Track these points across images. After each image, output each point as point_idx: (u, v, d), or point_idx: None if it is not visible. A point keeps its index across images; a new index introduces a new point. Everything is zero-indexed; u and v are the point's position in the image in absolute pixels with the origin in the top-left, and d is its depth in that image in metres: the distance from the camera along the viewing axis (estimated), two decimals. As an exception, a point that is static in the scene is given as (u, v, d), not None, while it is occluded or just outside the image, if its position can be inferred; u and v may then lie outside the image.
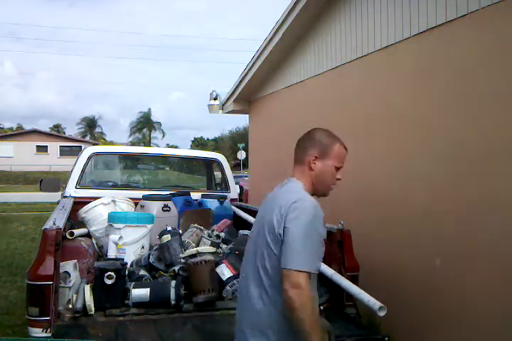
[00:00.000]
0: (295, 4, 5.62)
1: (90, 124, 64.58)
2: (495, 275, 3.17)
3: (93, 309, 2.96)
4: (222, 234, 4.16)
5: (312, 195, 1.97)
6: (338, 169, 2.04)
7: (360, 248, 3.42)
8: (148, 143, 57.42)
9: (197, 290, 3.17)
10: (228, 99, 8.39)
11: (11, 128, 64.29)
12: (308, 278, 1.76)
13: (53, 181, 5.68)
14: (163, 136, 62.71)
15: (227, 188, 5.63)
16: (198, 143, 67.77)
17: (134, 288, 3.13)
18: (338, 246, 3.32)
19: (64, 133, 64.49)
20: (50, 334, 2.65)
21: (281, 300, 1.78)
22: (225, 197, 5.17)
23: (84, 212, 4.31)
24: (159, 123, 62.01)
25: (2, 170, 38.46)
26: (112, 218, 3.90)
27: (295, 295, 1.72)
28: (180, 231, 4.06)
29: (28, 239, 9.60)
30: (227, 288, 3.35)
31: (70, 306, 2.97)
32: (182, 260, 3.36)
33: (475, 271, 3.31)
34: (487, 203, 3.26)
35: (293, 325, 1.76)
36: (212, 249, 3.35)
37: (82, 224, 4.30)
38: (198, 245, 3.97)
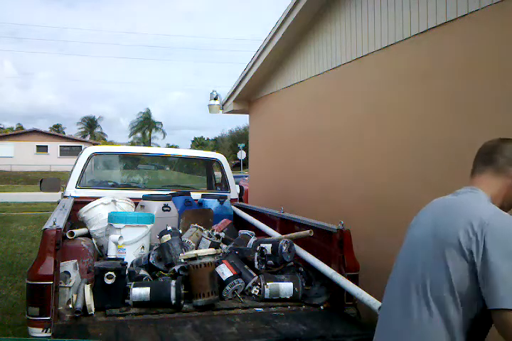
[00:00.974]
0: (295, 4, 5.62)
1: (90, 124, 64.65)
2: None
3: (93, 309, 2.97)
4: (222, 234, 4.17)
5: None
6: None
7: (361, 247, 3.42)
8: (148, 143, 57.43)
9: (197, 294, 3.17)
10: (228, 99, 8.39)
11: (11, 128, 64.31)
12: None
13: (53, 181, 5.68)
14: (164, 136, 62.80)
15: (227, 188, 5.63)
16: (198, 143, 67.76)
17: (134, 287, 3.13)
18: (338, 246, 3.32)
19: (64, 133, 64.51)
20: (50, 334, 2.65)
21: None
22: (225, 197, 5.18)
23: (84, 211, 4.31)
24: (160, 123, 62.10)
25: (2, 170, 38.48)
26: (112, 218, 3.90)
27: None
28: (181, 231, 4.06)
29: (28, 238, 9.60)
30: (227, 287, 3.35)
31: (70, 306, 2.98)
32: (182, 260, 3.36)
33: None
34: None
35: None
36: (212, 252, 3.34)
37: (82, 224, 4.31)
38: (198, 245, 3.97)
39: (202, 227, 4.16)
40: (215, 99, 8.67)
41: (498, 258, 1.37)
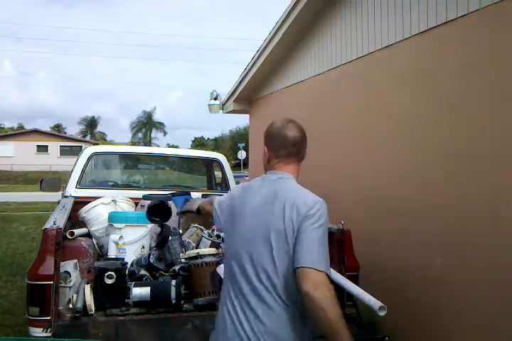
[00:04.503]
0: (295, 4, 5.62)
1: (91, 124, 64.66)
2: (500, 274, 3.17)
3: (93, 309, 2.96)
4: (223, 234, 4.16)
5: None
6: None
7: (361, 247, 3.42)
8: (148, 143, 57.42)
9: (197, 293, 3.17)
10: (228, 99, 8.39)
11: (11, 128, 64.33)
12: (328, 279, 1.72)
13: (54, 181, 5.68)
14: (165, 135, 62.79)
15: (227, 188, 5.63)
16: (198, 143, 67.77)
17: (134, 287, 3.13)
18: (338, 246, 3.32)
19: (65, 133, 64.51)
20: (50, 334, 2.65)
21: (299, 301, 1.72)
22: (226, 197, 5.17)
23: (84, 211, 4.31)
24: (162, 124, 62.05)
25: (2, 170, 38.47)
26: (113, 218, 3.90)
27: (319, 295, 1.65)
28: (181, 231, 4.06)
29: (28, 238, 9.61)
30: (228, 287, 3.35)
31: (71, 306, 2.97)
32: (183, 260, 3.36)
33: (477, 270, 3.31)
34: (487, 201, 3.26)
35: (320, 327, 1.69)
36: (214, 251, 3.34)
37: (82, 223, 4.30)
38: (198, 245, 3.97)
39: (202, 227, 4.16)
40: (215, 99, 8.68)
41: (316, 230, 1.81)
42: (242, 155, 29.97)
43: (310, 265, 1.70)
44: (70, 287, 3.08)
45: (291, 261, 1.77)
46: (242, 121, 68.41)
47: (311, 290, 1.65)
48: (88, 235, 4.12)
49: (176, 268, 3.45)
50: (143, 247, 3.85)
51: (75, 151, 37.29)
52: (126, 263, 3.37)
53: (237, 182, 6.68)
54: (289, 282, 1.78)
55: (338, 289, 3.17)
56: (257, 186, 2.02)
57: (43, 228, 2.89)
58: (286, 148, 2.02)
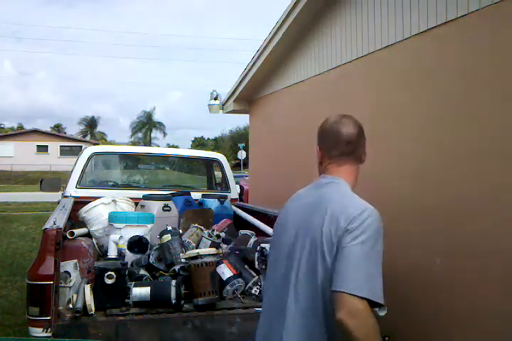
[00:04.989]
0: (295, 4, 5.62)
1: (91, 124, 64.67)
2: (500, 274, 3.17)
3: (93, 309, 2.97)
4: (223, 234, 4.17)
5: None
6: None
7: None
8: (148, 143, 57.44)
9: (198, 293, 3.17)
10: (228, 99, 8.39)
11: (11, 128, 64.36)
12: (368, 305, 1.46)
13: (54, 181, 5.68)
14: (165, 136, 62.80)
15: (227, 188, 5.63)
16: (198, 143, 67.78)
17: (134, 287, 3.14)
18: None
19: (65, 133, 64.54)
20: (50, 334, 2.65)
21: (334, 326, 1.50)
22: (226, 197, 5.18)
23: (84, 211, 4.31)
24: (162, 124, 62.04)
25: (2, 170, 38.48)
26: (113, 218, 3.90)
27: (355, 324, 1.43)
28: (181, 231, 4.06)
29: (28, 238, 9.61)
30: (228, 287, 3.35)
31: (71, 306, 2.97)
32: (183, 260, 3.36)
33: (478, 269, 3.31)
34: (486, 201, 3.26)
35: None
36: (214, 251, 3.34)
37: (82, 223, 4.31)
38: (198, 245, 3.98)
39: (202, 227, 4.16)
40: (215, 99, 8.68)
41: (359, 246, 1.54)
42: (242, 155, 29.97)
43: (346, 289, 1.46)
44: (70, 287, 3.08)
45: (330, 281, 1.53)
46: (242, 121, 68.44)
47: (345, 319, 1.44)
48: (88, 235, 4.13)
49: (176, 268, 3.45)
50: (143, 247, 3.86)
51: (75, 151, 37.30)
52: (126, 263, 3.38)
53: (237, 183, 6.69)
54: (327, 304, 1.56)
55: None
56: (304, 193, 1.82)
57: (43, 228, 2.89)
58: (338, 146, 1.78)
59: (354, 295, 1.44)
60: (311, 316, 1.60)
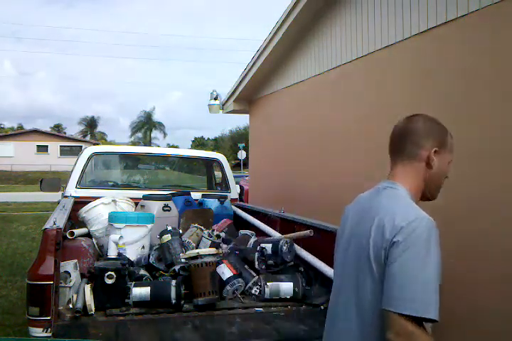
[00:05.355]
0: (295, 4, 5.62)
1: (91, 124, 64.66)
2: (502, 274, 3.17)
3: (93, 309, 2.96)
4: (223, 234, 4.16)
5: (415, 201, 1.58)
6: (449, 164, 1.63)
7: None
8: (148, 143, 57.43)
9: (198, 293, 3.17)
10: (228, 99, 8.39)
11: (11, 128, 64.35)
12: (421, 324, 1.37)
13: (54, 181, 5.68)
14: (165, 136, 62.80)
15: (227, 188, 5.63)
16: (198, 143, 67.77)
17: (134, 287, 3.13)
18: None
19: (65, 133, 64.55)
20: (50, 334, 2.65)
21: None
22: (226, 197, 5.18)
23: (84, 211, 4.31)
24: (161, 124, 62.02)
25: (2, 170, 38.48)
26: (113, 218, 3.90)
27: None
28: (181, 231, 4.06)
29: (28, 238, 9.61)
30: (228, 287, 3.35)
31: (71, 306, 2.97)
32: (183, 260, 3.36)
33: (479, 270, 3.31)
34: (486, 201, 3.26)
35: None
36: (214, 251, 3.34)
37: (82, 223, 4.31)
38: (198, 245, 3.97)
39: (202, 227, 4.16)
40: (215, 99, 8.68)
41: (407, 261, 1.39)
42: (242, 155, 29.97)
43: (392, 308, 1.35)
44: (70, 287, 3.08)
45: (379, 298, 1.41)
46: (242, 121, 68.44)
47: (392, 339, 1.35)
48: (88, 235, 4.13)
49: (176, 268, 3.45)
50: (143, 247, 3.86)
51: (75, 151, 37.30)
52: (126, 262, 3.37)
53: (237, 183, 6.69)
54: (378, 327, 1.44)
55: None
56: (363, 196, 1.71)
57: (43, 228, 2.88)
58: (393, 144, 1.65)
59: (401, 314, 1.34)
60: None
